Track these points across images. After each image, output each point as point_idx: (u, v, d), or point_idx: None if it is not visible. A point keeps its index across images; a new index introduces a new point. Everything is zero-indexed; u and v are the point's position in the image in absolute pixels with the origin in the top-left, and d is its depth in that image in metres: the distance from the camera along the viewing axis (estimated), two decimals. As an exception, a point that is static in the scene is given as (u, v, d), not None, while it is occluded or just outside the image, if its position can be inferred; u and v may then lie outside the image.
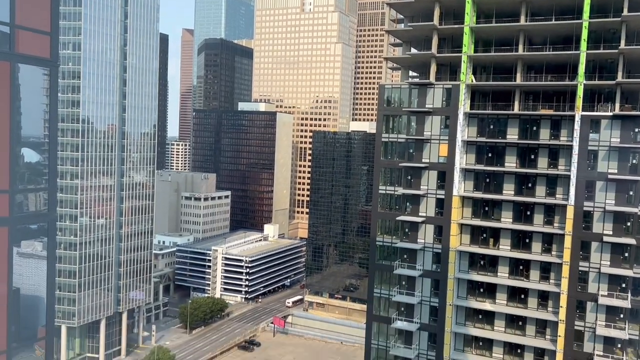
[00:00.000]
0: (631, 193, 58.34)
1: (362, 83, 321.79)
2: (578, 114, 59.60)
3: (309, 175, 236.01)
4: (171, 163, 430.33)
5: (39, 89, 22.37)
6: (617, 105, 59.51)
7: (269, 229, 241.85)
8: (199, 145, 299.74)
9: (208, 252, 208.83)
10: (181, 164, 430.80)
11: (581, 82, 59.29)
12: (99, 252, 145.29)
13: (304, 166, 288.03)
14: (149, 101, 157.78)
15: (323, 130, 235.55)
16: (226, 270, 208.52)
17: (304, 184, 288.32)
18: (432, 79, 67.02)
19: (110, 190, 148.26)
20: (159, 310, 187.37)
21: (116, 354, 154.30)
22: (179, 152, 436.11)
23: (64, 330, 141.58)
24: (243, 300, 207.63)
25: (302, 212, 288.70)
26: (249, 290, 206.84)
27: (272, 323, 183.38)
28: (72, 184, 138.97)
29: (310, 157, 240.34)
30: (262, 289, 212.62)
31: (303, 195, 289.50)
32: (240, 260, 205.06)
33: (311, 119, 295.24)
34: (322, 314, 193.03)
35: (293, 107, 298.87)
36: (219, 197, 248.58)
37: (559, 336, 59.94)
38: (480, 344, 65.70)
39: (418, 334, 67.06)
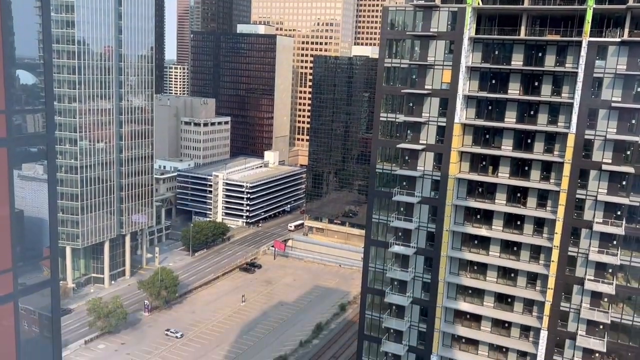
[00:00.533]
0: (633, 121, 58.00)
1: (365, 5, 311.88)
2: (585, 39, 58.15)
3: (310, 101, 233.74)
4: (169, 87, 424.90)
5: (31, 8, 21.62)
6: (626, 31, 57.97)
7: (269, 156, 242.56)
8: (197, 69, 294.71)
9: (209, 177, 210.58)
10: (179, 88, 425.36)
11: (591, 6, 57.41)
12: (100, 176, 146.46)
13: (305, 92, 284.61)
14: (145, 22, 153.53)
15: (324, 55, 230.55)
16: (227, 196, 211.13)
17: (304, 110, 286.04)
18: (437, 1, 64.90)
19: (109, 114, 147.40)
20: (162, 233, 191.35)
21: (120, 274, 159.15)
22: (177, 75, 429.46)
23: (69, 251, 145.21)
24: (244, 224, 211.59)
25: (303, 140, 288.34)
26: (250, 215, 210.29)
27: (272, 246, 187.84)
28: (70, 107, 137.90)
29: (310, 83, 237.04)
30: (262, 214, 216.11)
31: (303, 122, 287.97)
32: (241, 186, 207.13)
33: (312, 43, 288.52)
34: (322, 239, 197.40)
35: (293, 30, 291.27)
36: (219, 123, 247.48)
37: (552, 261, 61.46)
38: (475, 268, 67.50)
39: (414, 258, 68.75)
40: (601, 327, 60.35)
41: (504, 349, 66.42)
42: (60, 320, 23.64)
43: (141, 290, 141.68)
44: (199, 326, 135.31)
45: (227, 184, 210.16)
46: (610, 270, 60.07)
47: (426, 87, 66.11)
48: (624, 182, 58.77)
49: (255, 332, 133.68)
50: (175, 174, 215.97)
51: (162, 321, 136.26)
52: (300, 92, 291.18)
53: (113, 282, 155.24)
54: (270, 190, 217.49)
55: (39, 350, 22.88)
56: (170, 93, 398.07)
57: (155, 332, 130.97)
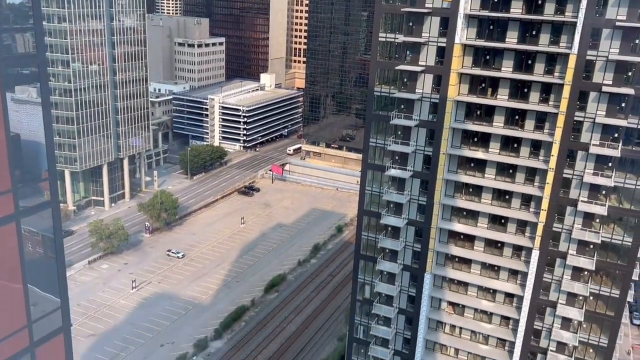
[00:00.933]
0: (637, 42, 56.76)
1: None
2: (594, -46, 55.79)
3: (306, 21, 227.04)
4: (161, 6, 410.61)
5: None
6: (637, -55, 55.48)
7: (265, 79, 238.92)
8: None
9: (205, 100, 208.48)
10: (172, 7, 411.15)
11: None
12: (95, 99, 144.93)
13: (301, 11, 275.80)
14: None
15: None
16: (224, 120, 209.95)
17: (301, 31, 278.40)
18: None
19: (101, 35, 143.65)
20: (159, 157, 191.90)
21: (120, 197, 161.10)
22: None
23: (68, 174, 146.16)
24: (241, 148, 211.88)
25: (299, 62, 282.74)
26: (247, 139, 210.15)
27: (270, 170, 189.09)
28: (60, 27, 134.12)
29: (307, 2, 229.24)
30: (260, 138, 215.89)
31: (300, 44, 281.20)
32: (238, 110, 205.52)
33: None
34: (319, 163, 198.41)
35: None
36: (213, 44, 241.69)
37: (547, 183, 62.11)
38: (470, 190, 68.29)
39: (411, 181, 69.36)
40: (591, 246, 61.99)
41: (496, 268, 68.54)
42: (63, 240, 24.17)
43: (141, 212, 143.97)
44: (200, 247, 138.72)
45: (223, 108, 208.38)
46: (603, 192, 60.92)
47: (427, 5, 64.07)
48: (623, 104, 58.40)
49: (254, 253, 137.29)
50: (171, 97, 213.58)
51: (163, 242, 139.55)
52: (297, 11, 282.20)
53: (113, 204, 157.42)
54: (267, 114, 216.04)
55: (43, 270, 23.54)
56: (162, 12, 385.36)
57: (157, 252, 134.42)
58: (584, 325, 64.56)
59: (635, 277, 62.35)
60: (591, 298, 63.43)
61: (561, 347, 65.57)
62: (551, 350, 65.76)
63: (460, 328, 72.10)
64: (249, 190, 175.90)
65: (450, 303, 72.31)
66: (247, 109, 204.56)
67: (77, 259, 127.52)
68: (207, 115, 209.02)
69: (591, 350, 64.91)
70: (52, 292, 23.42)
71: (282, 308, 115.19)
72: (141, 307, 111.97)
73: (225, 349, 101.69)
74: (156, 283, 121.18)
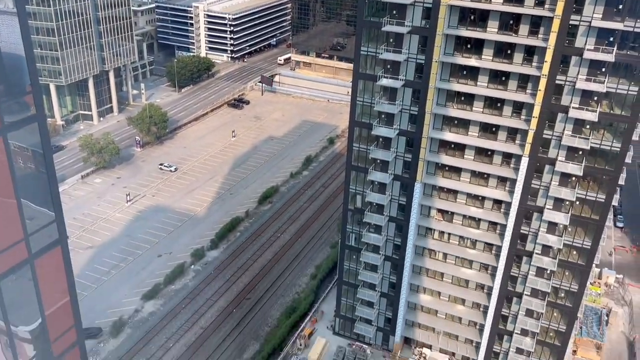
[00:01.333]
0: (640, -61, 54.29)
1: None
2: None
3: None
4: None
5: None
6: None
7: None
8: None
9: (189, 9, 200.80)
10: None
11: None
12: (75, 9, 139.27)
13: None
14: None
15: None
16: (209, 29, 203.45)
17: None
18: None
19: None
20: (146, 69, 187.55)
21: (108, 111, 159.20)
22: None
23: (53, 88, 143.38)
24: (229, 59, 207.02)
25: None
26: (235, 49, 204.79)
27: (259, 82, 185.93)
28: None
29: None
30: (247, 48, 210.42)
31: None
32: (224, 18, 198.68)
33: None
34: (309, 73, 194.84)
35: None
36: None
37: (539, 90, 61.63)
38: (462, 99, 67.77)
39: (402, 90, 68.56)
40: (580, 152, 62.67)
41: (485, 175, 69.54)
42: (52, 154, 24.02)
43: (131, 126, 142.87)
44: (192, 160, 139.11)
45: (209, 16, 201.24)
46: (595, 98, 60.69)
47: None
48: (620, 6, 56.77)
49: (246, 165, 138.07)
50: (154, 5, 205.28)
51: (155, 156, 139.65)
52: None
53: (102, 118, 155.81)
54: (255, 22, 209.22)
55: (36, 184, 23.58)
56: None
57: (149, 166, 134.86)
58: (569, 229, 66.64)
59: (621, 182, 63.59)
60: (577, 203, 65.01)
61: (546, 249, 68.04)
62: (536, 253, 68.29)
63: (449, 234, 74.28)
64: (238, 102, 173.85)
65: (440, 210, 73.99)
66: (233, 17, 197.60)
67: (70, 173, 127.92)
68: (192, 24, 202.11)
69: (575, 252, 67.49)
70: (46, 206, 23.60)
71: (276, 218, 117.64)
72: (137, 220, 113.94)
73: (222, 257, 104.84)
74: (150, 196, 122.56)
